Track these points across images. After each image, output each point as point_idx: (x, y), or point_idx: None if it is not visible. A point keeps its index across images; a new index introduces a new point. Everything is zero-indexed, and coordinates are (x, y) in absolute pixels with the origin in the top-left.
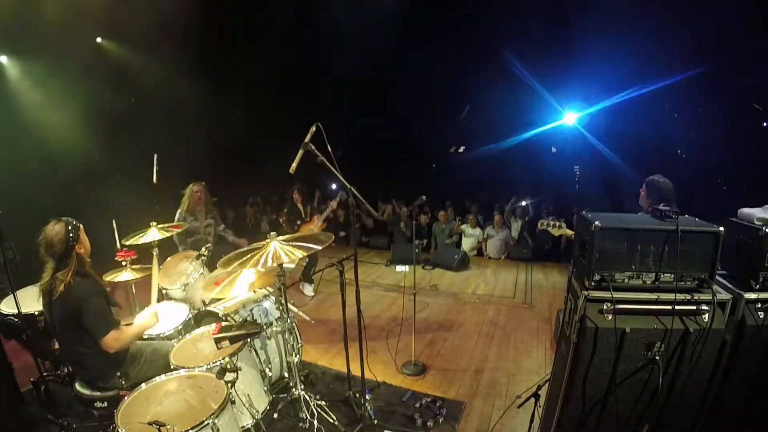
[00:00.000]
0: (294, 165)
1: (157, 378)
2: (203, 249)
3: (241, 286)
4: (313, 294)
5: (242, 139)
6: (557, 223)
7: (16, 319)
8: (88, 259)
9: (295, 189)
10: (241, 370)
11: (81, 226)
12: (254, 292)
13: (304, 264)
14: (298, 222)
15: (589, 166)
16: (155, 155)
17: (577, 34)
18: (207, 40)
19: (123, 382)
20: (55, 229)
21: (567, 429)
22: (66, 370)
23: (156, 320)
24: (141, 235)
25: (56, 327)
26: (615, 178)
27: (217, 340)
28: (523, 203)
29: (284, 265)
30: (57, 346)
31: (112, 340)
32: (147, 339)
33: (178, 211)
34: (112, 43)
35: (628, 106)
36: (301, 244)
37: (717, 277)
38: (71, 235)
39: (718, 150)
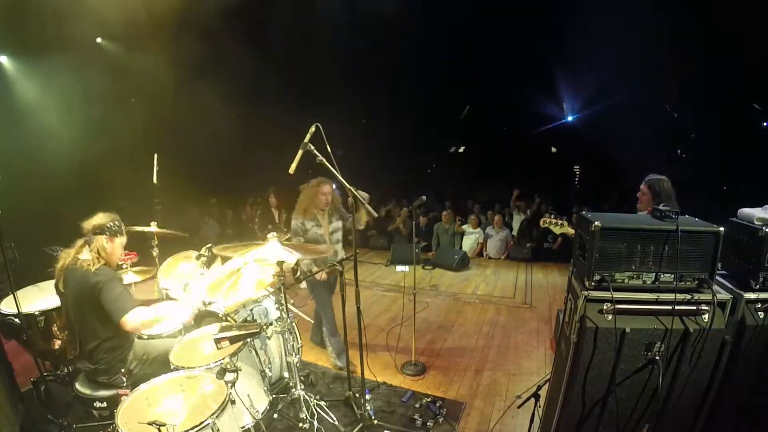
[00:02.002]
0: (293, 165)
1: (157, 378)
2: (203, 249)
3: (247, 286)
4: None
5: (242, 138)
6: (559, 222)
7: (16, 319)
8: (111, 261)
9: (270, 193)
10: (241, 370)
11: (124, 237)
12: (267, 290)
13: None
14: (269, 226)
15: (589, 165)
16: (155, 155)
17: (578, 34)
18: (207, 38)
19: (125, 379)
20: (105, 213)
21: (567, 429)
22: (66, 370)
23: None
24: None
25: (69, 306)
26: (615, 177)
27: (217, 340)
28: (520, 203)
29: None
30: (57, 346)
31: (132, 320)
32: (148, 338)
33: (294, 218)
34: (112, 43)
35: (628, 106)
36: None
37: (717, 277)
38: (110, 224)
39: (718, 150)
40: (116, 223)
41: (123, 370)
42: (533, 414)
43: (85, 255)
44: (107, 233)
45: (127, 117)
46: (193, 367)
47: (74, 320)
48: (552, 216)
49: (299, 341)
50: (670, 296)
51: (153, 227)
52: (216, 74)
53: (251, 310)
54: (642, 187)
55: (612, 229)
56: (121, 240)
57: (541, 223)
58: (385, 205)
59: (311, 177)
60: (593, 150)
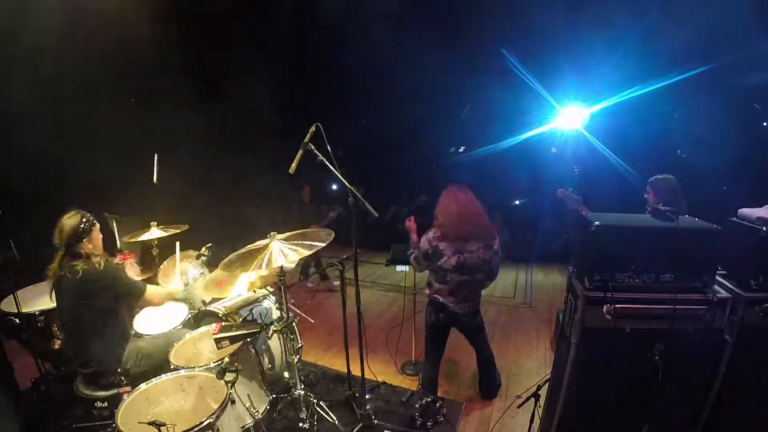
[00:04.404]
0: (294, 165)
1: (157, 378)
2: (203, 249)
3: (241, 286)
4: (313, 284)
5: (242, 138)
6: (577, 197)
7: (16, 319)
8: (100, 251)
9: (306, 187)
10: (241, 370)
11: (97, 225)
12: (254, 291)
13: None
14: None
15: (589, 166)
16: (155, 155)
17: (578, 32)
18: (206, 37)
19: (123, 380)
20: (69, 218)
21: (567, 429)
22: (66, 370)
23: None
24: (141, 233)
25: (65, 314)
26: (615, 178)
27: (217, 340)
28: (516, 202)
29: (285, 266)
30: (57, 346)
31: (151, 294)
32: (145, 337)
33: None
34: (111, 42)
35: (628, 106)
36: (302, 242)
37: (717, 277)
38: (82, 227)
39: (718, 150)
40: (84, 220)
41: (120, 370)
42: (533, 414)
43: (78, 261)
44: (84, 236)
45: (127, 116)
46: (193, 367)
47: (68, 325)
48: (570, 190)
49: (300, 341)
50: (670, 296)
51: (153, 227)
52: (216, 72)
53: (251, 310)
54: (647, 189)
55: (612, 229)
56: (96, 228)
57: (558, 194)
58: (386, 206)
59: (313, 176)
60: (593, 150)
